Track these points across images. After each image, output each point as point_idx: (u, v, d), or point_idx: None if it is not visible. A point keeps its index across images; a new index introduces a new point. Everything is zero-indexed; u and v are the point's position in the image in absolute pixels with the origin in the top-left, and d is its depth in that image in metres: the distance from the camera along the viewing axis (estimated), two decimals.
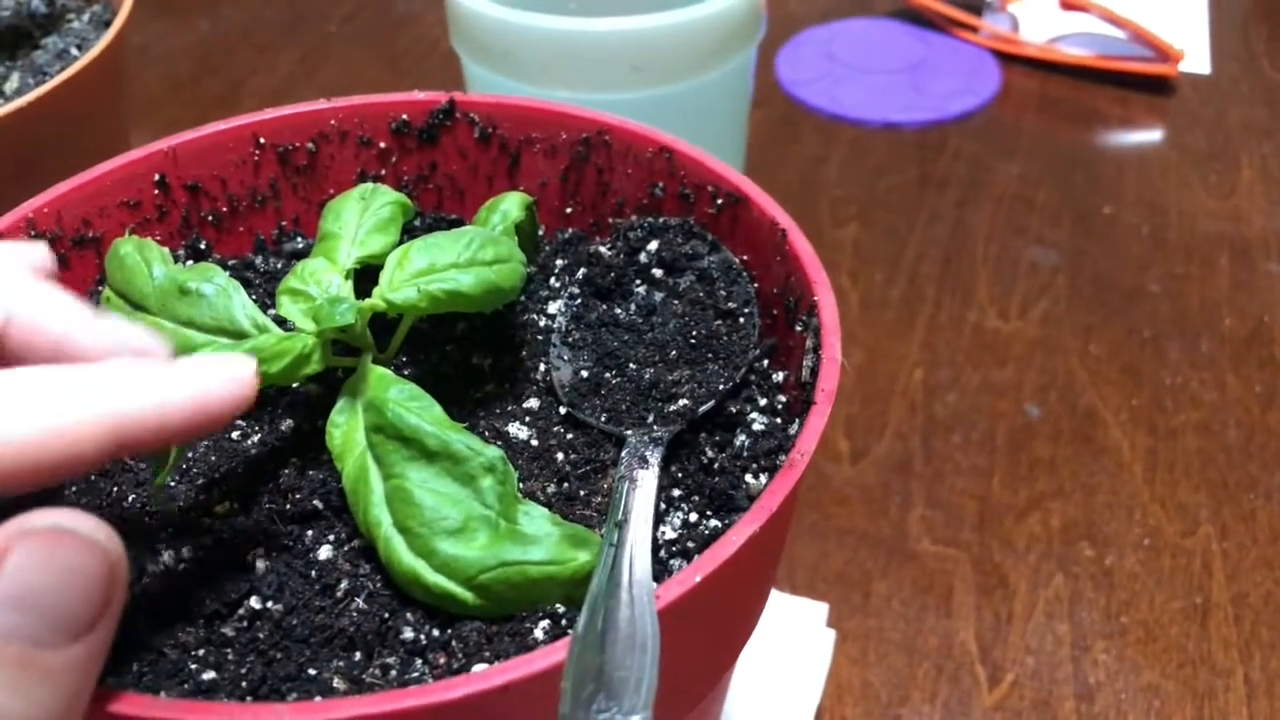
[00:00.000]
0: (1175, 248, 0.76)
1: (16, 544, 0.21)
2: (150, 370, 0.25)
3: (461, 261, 0.33)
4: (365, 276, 0.36)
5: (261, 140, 0.43)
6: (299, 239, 0.44)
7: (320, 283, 0.34)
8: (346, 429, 0.32)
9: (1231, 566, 0.56)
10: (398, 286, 0.33)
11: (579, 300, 0.39)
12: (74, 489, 0.34)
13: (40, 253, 0.30)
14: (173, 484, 0.34)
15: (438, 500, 0.29)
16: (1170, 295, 0.72)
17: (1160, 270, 0.74)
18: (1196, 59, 0.94)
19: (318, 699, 0.28)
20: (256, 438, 0.35)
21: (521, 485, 0.34)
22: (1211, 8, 1.02)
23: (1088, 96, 0.91)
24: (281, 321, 0.36)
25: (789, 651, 0.50)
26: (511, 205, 0.38)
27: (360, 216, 0.37)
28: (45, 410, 0.23)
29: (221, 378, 0.26)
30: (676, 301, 0.39)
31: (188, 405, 0.25)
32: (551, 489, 0.34)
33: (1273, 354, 0.68)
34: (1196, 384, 0.66)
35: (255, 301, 0.40)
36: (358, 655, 0.29)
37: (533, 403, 0.37)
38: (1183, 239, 0.77)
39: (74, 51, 0.58)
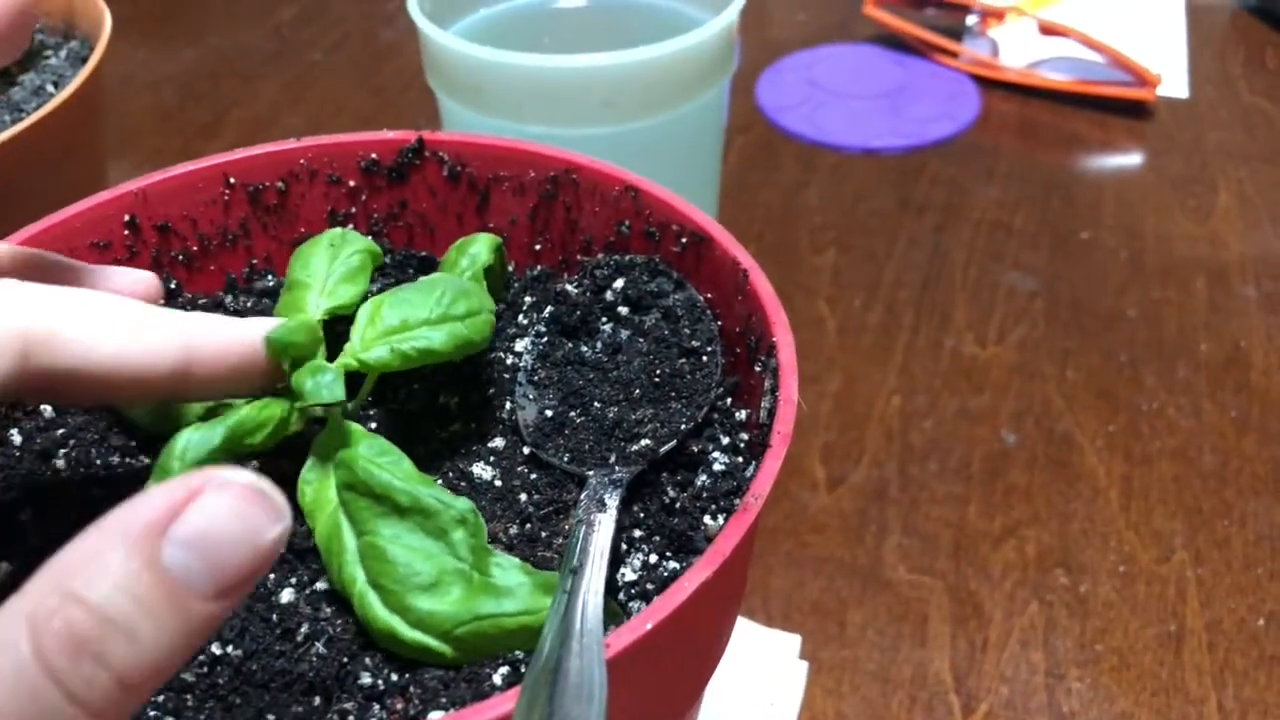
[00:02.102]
0: (1152, 272, 0.76)
1: (211, 489, 0.21)
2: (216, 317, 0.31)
3: (433, 318, 0.34)
4: (334, 322, 0.36)
5: (231, 180, 0.43)
6: (270, 277, 0.44)
7: None
8: (318, 487, 0.32)
9: (1205, 593, 0.56)
10: (369, 345, 0.33)
11: (545, 338, 0.40)
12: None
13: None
14: None
15: (410, 556, 0.30)
16: (1147, 320, 0.72)
17: (1137, 295, 0.74)
18: (1174, 83, 0.95)
19: None
20: None
21: (485, 527, 0.34)
22: (1189, 32, 1.03)
23: (1067, 121, 0.92)
24: None
25: (762, 685, 0.51)
26: (481, 249, 0.39)
27: (329, 265, 0.37)
28: (130, 325, 0.29)
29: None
30: (642, 339, 0.39)
31: (247, 345, 0.31)
32: (514, 530, 0.34)
33: (1249, 379, 0.68)
34: (1173, 410, 0.66)
35: None
36: (317, 700, 0.30)
37: (498, 442, 0.37)
38: (1160, 263, 0.77)
39: (50, 89, 0.58)
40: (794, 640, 0.53)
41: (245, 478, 0.22)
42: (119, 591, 0.20)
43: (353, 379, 0.35)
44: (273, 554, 0.22)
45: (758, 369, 0.36)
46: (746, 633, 0.53)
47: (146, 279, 0.36)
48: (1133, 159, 0.88)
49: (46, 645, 0.19)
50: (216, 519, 0.21)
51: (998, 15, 0.99)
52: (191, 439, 0.31)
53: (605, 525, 0.31)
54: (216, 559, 0.21)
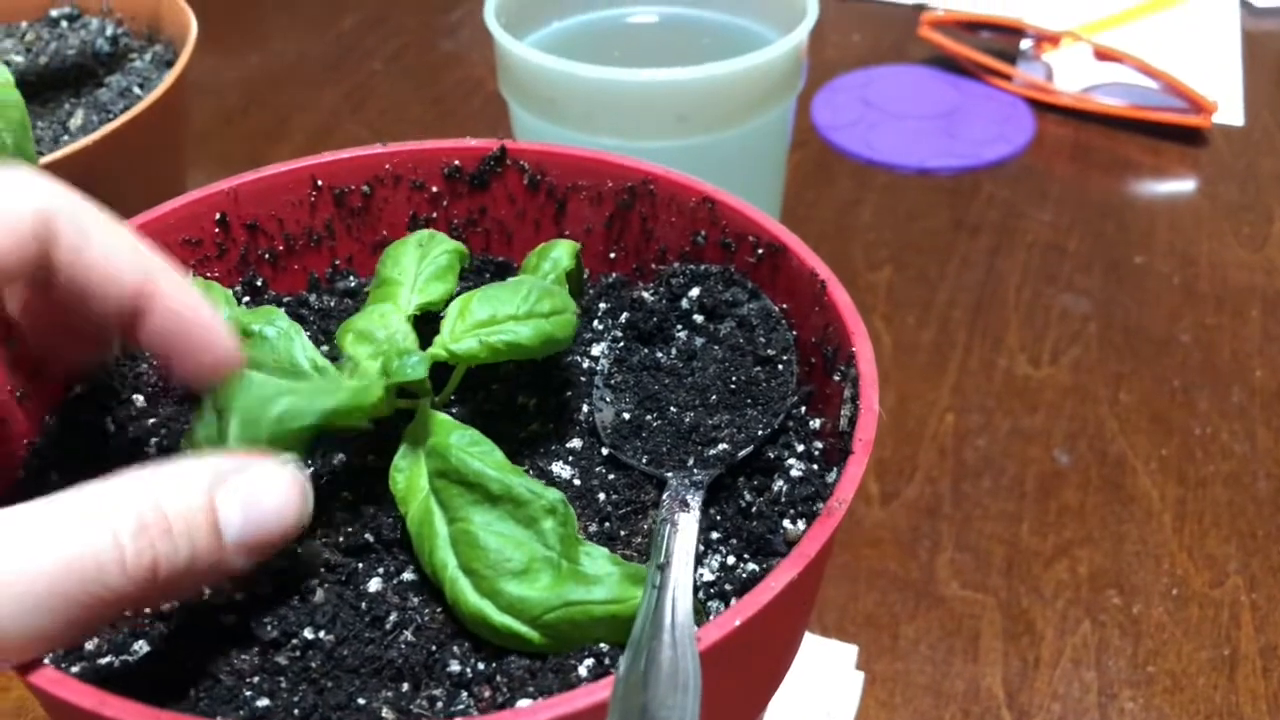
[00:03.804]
0: (1206, 298, 0.77)
1: (272, 464, 0.29)
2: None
3: (520, 314, 0.35)
4: (422, 320, 0.37)
5: (319, 182, 0.44)
6: (351, 278, 0.45)
7: (387, 326, 0.35)
8: (410, 474, 0.33)
9: (1260, 618, 0.56)
10: (459, 337, 0.34)
11: (622, 344, 0.41)
12: None
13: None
14: None
15: (501, 542, 0.31)
16: (1201, 345, 0.73)
17: (1191, 320, 0.75)
18: (1229, 110, 0.95)
19: None
20: (310, 472, 0.36)
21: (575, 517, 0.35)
22: (1245, 60, 1.03)
23: (1121, 146, 0.92)
24: (335, 359, 0.37)
25: (818, 693, 0.51)
26: (562, 253, 0.40)
27: (419, 264, 0.38)
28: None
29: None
30: (717, 347, 0.40)
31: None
32: (593, 528, 0.35)
33: None
34: (1226, 435, 0.66)
35: (309, 338, 0.42)
36: (405, 686, 0.31)
37: (576, 443, 0.38)
38: (1214, 289, 0.77)
39: (136, 90, 0.60)
40: (851, 650, 0.53)
41: (289, 467, 0.29)
42: (185, 510, 0.27)
43: (440, 375, 0.36)
44: (290, 533, 0.29)
45: (836, 378, 0.37)
46: (805, 641, 0.53)
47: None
48: (1186, 185, 0.88)
49: (120, 522, 0.25)
50: (264, 490, 0.28)
51: (1052, 40, 1.00)
52: (288, 409, 0.32)
53: (689, 525, 0.32)
54: (255, 524, 0.28)
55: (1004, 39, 1.03)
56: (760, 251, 0.41)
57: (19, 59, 0.65)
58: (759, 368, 0.39)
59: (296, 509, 0.29)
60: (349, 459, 0.37)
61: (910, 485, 0.63)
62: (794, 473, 0.35)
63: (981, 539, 0.60)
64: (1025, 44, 1.02)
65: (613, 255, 0.46)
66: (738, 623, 0.27)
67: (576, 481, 0.36)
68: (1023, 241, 0.82)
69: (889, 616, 0.56)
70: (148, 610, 0.32)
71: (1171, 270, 0.79)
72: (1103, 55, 0.96)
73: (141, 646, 0.31)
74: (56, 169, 0.51)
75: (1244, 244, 0.82)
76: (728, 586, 0.33)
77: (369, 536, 0.34)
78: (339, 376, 0.35)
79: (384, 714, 0.30)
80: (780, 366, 0.38)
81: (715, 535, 0.34)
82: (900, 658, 0.54)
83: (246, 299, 0.44)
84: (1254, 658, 0.54)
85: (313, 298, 0.44)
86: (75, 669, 0.31)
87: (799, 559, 0.29)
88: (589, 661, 0.30)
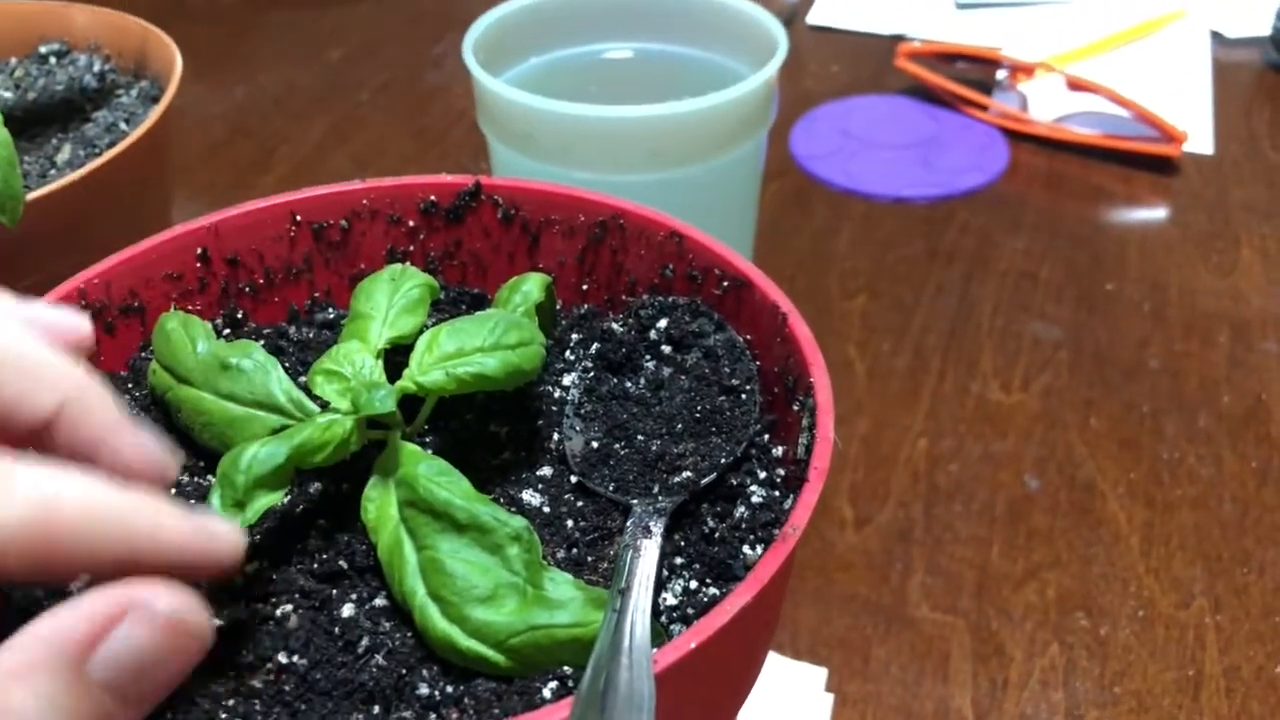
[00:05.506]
0: (1175, 325, 0.78)
1: (133, 618, 0.24)
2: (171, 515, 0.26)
3: (487, 346, 0.36)
4: (394, 352, 0.38)
5: (298, 218, 0.46)
6: (330, 309, 0.47)
7: (354, 364, 0.36)
8: (380, 504, 0.34)
9: (1224, 640, 0.57)
10: (427, 369, 0.36)
11: (592, 374, 0.42)
12: None
13: (85, 329, 0.31)
14: None
15: (468, 569, 0.32)
16: (1169, 372, 0.74)
17: (1160, 347, 0.76)
18: (1200, 140, 0.97)
19: None
20: (286, 500, 0.37)
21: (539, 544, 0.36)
22: (1215, 90, 1.05)
23: (1093, 175, 0.94)
24: (311, 393, 0.39)
25: (789, 715, 0.52)
26: (532, 286, 0.41)
27: (390, 298, 0.39)
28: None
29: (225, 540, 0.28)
30: (683, 377, 0.41)
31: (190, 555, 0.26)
32: (561, 554, 0.36)
33: (1269, 431, 0.69)
34: (1193, 459, 0.68)
35: (288, 369, 0.43)
36: (376, 709, 0.32)
37: (546, 471, 0.39)
38: (1183, 316, 0.79)
39: (123, 125, 0.61)
40: (820, 673, 0.54)
41: (167, 604, 0.24)
42: (46, 705, 0.22)
43: (413, 405, 0.37)
44: (188, 669, 0.25)
45: (795, 408, 0.38)
46: (775, 664, 0.55)
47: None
48: (1158, 213, 0.90)
49: None
50: (139, 650, 0.23)
51: (1027, 70, 1.02)
52: (258, 454, 0.33)
53: (651, 551, 0.33)
54: (135, 689, 0.23)
55: (980, 70, 1.05)
56: (725, 285, 0.43)
57: (8, 95, 0.66)
58: (724, 397, 0.40)
59: (185, 649, 0.25)
60: (324, 487, 0.38)
61: (883, 510, 0.64)
62: (755, 499, 0.37)
63: (952, 562, 0.61)
64: (1000, 74, 1.04)
65: (585, 287, 0.47)
66: (693, 645, 0.28)
67: (546, 509, 0.38)
68: (996, 269, 0.83)
69: (860, 639, 0.57)
70: None
71: (1142, 297, 0.81)
72: (1076, 85, 0.98)
73: None
74: (44, 204, 0.52)
75: (1213, 271, 0.83)
76: (690, 610, 0.34)
77: (343, 563, 0.35)
78: (313, 410, 0.37)
79: None
80: (744, 396, 0.40)
81: (679, 560, 0.35)
82: (871, 679, 0.55)
83: (227, 331, 0.45)
84: (1218, 678, 0.55)
85: (292, 329, 0.45)
86: None
87: (753, 584, 0.30)
88: (553, 684, 0.31)
